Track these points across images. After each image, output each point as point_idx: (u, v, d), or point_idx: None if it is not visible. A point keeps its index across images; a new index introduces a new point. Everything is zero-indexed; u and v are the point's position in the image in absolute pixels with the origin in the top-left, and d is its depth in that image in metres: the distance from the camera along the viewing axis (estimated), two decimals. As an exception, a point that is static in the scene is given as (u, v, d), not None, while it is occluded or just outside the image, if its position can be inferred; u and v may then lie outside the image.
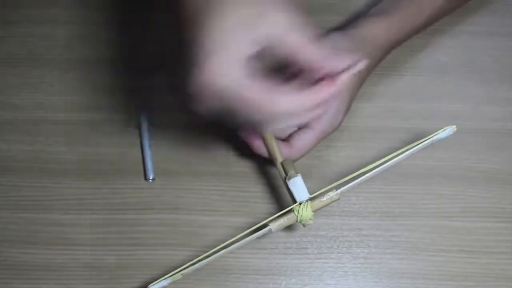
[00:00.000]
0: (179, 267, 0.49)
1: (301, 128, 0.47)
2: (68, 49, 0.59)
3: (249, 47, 0.34)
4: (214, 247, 0.50)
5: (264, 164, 0.53)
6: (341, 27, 0.51)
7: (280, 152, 0.45)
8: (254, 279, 0.49)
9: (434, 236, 0.50)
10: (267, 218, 0.51)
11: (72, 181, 0.53)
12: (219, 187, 0.52)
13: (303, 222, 0.41)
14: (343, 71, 0.37)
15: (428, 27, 0.55)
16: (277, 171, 0.44)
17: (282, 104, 0.35)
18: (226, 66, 0.34)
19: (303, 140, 0.46)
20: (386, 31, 0.50)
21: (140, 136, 0.54)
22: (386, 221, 0.51)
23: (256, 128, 0.38)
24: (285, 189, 0.51)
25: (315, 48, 0.35)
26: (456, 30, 0.59)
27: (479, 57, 0.58)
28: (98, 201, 0.52)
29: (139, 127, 0.55)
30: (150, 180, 0.52)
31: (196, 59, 0.34)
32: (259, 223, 0.51)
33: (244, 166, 0.53)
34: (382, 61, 0.53)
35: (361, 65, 0.37)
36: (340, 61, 0.37)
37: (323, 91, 0.36)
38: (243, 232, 0.50)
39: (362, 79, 0.50)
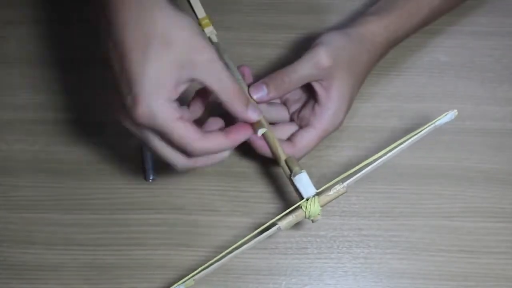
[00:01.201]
0: (179, 267, 0.50)
1: (303, 127, 0.48)
2: (68, 49, 0.59)
3: (175, 90, 0.37)
4: (214, 247, 0.50)
5: (264, 164, 0.53)
6: (339, 27, 0.51)
7: (283, 150, 0.45)
8: (254, 279, 0.49)
9: (434, 236, 0.50)
10: (267, 218, 0.51)
11: (72, 181, 0.53)
12: (219, 187, 0.52)
13: (312, 217, 0.41)
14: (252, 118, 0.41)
15: (426, 25, 0.55)
16: (282, 170, 0.44)
17: (204, 145, 0.39)
18: (156, 109, 0.37)
19: (306, 139, 0.47)
20: (385, 29, 0.50)
21: (140, 136, 0.54)
22: (386, 221, 0.51)
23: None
24: (285, 189, 0.52)
25: (232, 90, 0.39)
26: (456, 30, 0.59)
27: (479, 57, 0.58)
28: (98, 201, 0.52)
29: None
30: (150, 180, 0.52)
31: (128, 98, 0.37)
32: (259, 223, 0.51)
33: (245, 166, 0.53)
34: (382, 61, 0.53)
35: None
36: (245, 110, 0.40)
37: (234, 138, 0.41)
38: (243, 231, 0.50)
39: (362, 78, 0.50)
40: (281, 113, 0.50)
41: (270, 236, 0.50)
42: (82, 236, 0.51)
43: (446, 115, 0.42)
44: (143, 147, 0.53)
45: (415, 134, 0.41)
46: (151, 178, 0.52)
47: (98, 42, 0.58)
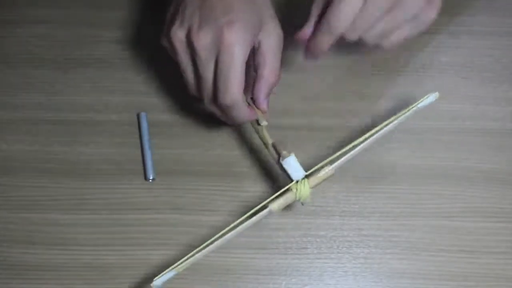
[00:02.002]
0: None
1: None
2: (68, 49, 0.59)
3: (253, 41, 0.42)
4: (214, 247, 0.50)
5: (264, 164, 0.53)
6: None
7: (269, 136, 0.45)
8: (254, 279, 0.49)
9: (434, 236, 0.50)
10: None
11: (72, 181, 0.53)
12: (219, 187, 0.52)
13: (302, 200, 0.42)
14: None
15: None
16: (270, 155, 0.45)
17: (239, 97, 0.42)
18: (244, 39, 0.40)
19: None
20: None
21: (140, 136, 0.54)
22: (386, 221, 0.51)
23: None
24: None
25: (275, 71, 0.43)
26: (456, 30, 0.59)
27: (479, 57, 0.58)
28: (98, 201, 0.52)
29: (139, 127, 0.55)
30: (150, 180, 0.52)
31: (222, 19, 0.40)
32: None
33: (244, 166, 0.53)
34: (382, 61, 0.53)
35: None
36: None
37: (245, 116, 0.44)
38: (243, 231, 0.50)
39: None
40: None
41: (270, 236, 0.51)
42: (82, 236, 0.51)
43: (427, 97, 0.43)
44: (144, 146, 0.53)
45: (398, 117, 0.42)
46: (151, 178, 0.52)
47: (98, 42, 0.59)
